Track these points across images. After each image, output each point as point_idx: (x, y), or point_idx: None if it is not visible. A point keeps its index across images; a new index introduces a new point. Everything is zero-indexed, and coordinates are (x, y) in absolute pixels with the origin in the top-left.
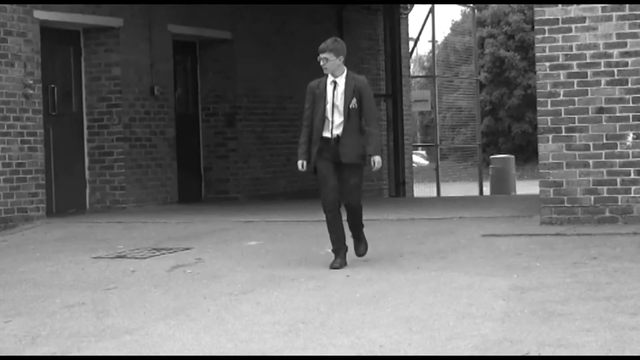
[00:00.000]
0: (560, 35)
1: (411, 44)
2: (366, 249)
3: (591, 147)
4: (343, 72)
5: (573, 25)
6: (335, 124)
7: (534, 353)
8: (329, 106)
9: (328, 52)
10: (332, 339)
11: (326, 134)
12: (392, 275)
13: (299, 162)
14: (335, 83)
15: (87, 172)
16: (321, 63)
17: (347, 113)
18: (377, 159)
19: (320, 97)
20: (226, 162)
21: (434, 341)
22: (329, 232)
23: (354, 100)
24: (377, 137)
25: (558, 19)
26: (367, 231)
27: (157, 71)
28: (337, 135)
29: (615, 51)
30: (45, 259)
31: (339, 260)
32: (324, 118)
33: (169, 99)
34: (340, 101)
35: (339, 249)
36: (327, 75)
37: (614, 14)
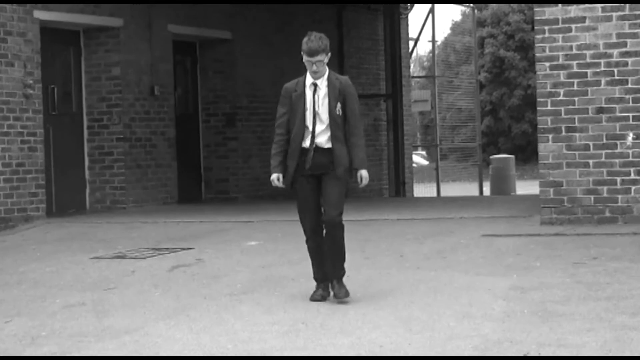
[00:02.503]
0: (560, 35)
1: (411, 44)
2: (347, 292)
3: (591, 147)
4: (325, 73)
5: (573, 25)
6: (315, 133)
7: (534, 353)
8: (308, 113)
9: (321, 54)
10: (332, 339)
11: (305, 144)
12: (392, 275)
13: (274, 176)
14: (315, 86)
15: (87, 172)
16: (313, 68)
17: (334, 120)
18: (364, 174)
19: (298, 101)
20: (226, 162)
21: (434, 341)
22: (311, 260)
23: (339, 106)
24: (362, 149)
25: (558, 19)
26: (367, 231)
27: (157, 71)
28: (317, 145)
29: (615, 51)
30: (45, 259)
31: (321, 292)
32: (303, 126)
33: (169, 99)
34: (322, 107)
35: (323, 277)
36: (304, 75)
37: (614, 14)
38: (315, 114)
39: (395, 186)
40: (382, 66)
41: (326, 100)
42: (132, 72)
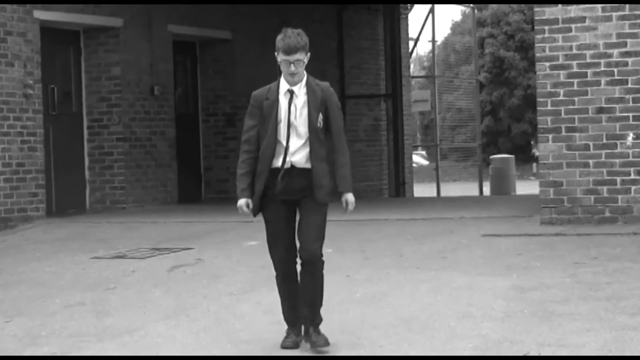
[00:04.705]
0: (560, 35)
1: (411, 44)
2: (327, 341)
3: (591, 147)
4: (303, 78)
5: (573, 25)
6: (290, 150)
7: (534, 353)
8: (282, 125)
9: (301, 52)
10: (332, 339)
11: (277, 163)
12: (392, 275)
13: (242, 202)
14: (292, 93)
15: (87, 172)
16: (291, 69)
17: (316, 135)
18: (350, 198)
19: (269, 112)
20: (226, 162)
21: (434, 341)
22: (281, 300)
23: (321, 117)
24: (348, 169)
25: (558, 19)
26: (367, 231)
27: (157, 71)
28: (292, 165)
29: (615, 51)
30: (45, 259)
31: (293, 338)
32: (275, 142)
33: (169, 99)
34: (300, 118)
35: (295, 320)
36: (277, 81)
37: (614, 14)
38: (290, 127)
39: (395, 186)
40: (382, 66)
41: (305, 111)
42: (132, 72)
